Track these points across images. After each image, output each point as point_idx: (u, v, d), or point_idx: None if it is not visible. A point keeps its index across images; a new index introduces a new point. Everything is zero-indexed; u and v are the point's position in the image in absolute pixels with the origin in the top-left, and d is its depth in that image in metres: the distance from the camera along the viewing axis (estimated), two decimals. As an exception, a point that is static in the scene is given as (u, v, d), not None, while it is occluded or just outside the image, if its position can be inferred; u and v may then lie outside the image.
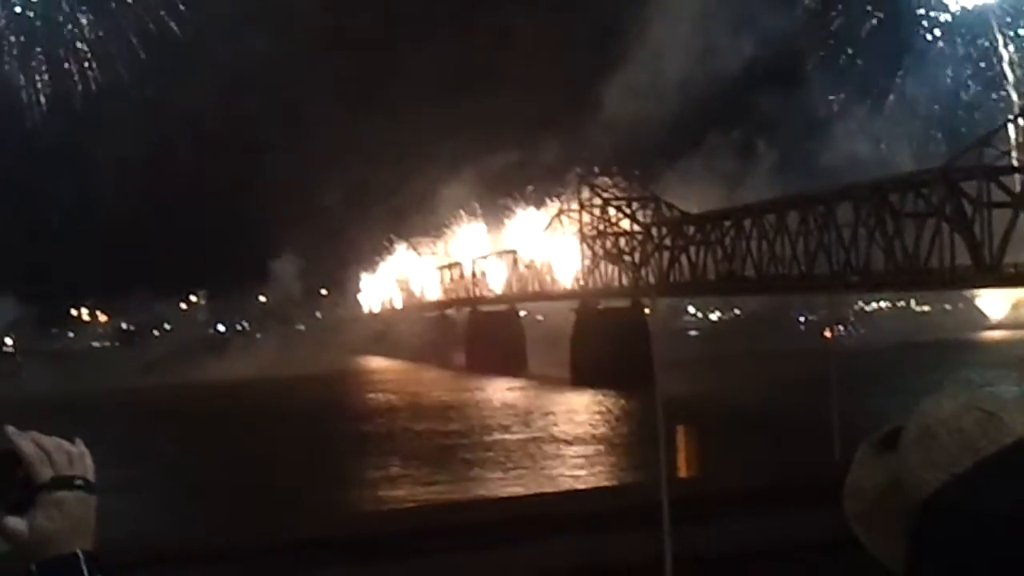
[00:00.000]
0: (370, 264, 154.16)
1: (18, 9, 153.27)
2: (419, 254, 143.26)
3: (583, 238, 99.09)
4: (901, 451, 1.77)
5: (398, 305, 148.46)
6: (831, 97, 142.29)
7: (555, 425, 59.82)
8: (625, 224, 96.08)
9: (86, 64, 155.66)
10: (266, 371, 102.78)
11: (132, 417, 66.32)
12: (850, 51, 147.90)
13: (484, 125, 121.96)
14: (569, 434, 55.61)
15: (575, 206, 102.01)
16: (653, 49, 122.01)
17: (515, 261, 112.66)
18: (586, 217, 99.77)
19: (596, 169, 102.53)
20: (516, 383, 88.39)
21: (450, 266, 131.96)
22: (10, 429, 2.14)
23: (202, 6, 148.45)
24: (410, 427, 60.99)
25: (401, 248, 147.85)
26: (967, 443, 1.68)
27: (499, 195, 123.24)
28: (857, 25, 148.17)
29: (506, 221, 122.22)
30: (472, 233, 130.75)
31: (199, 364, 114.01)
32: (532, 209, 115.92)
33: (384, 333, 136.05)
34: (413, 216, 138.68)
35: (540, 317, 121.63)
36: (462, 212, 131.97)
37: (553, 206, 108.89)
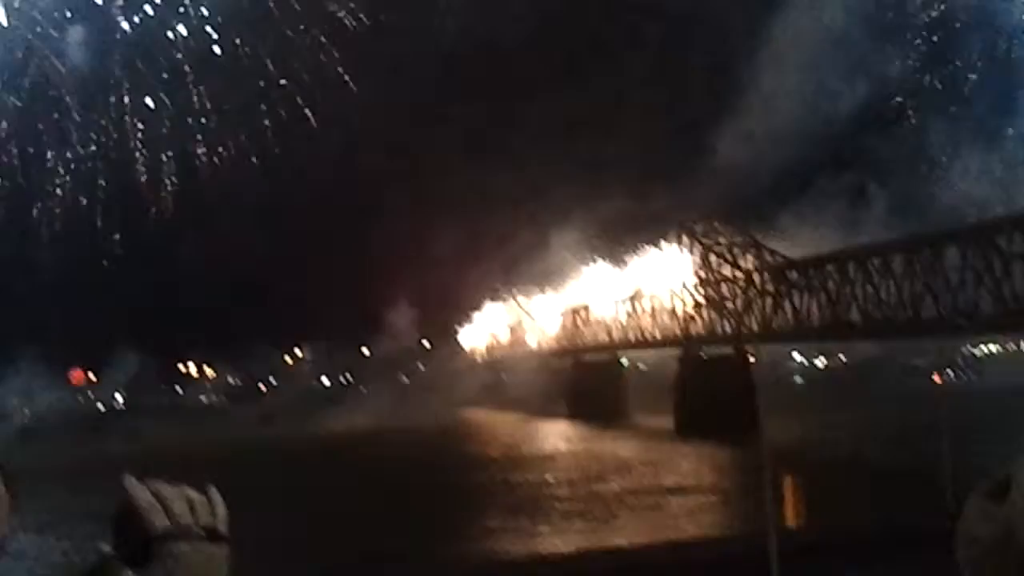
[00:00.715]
0: (473, 314, 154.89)
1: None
2: (523, 303, 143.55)
3: (684, 285, 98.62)
4: (1013, 500, 1.73)
5: (501, 355, 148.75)
6: (945, 138, 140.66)
7: (658, 475, 59.45)
8: (727, 271, 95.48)
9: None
10: (375, 423, 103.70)
11: (258, 467, 67.18)
12: (965, 91, 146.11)
13: (593, 173, 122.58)
14: (673, 484, 55.21)
15: (676, 253, 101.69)
16: (765, 95, 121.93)
17: (617, 309, 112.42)
18: (687, 264, 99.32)
19: (696, 217, 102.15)
20: (620, 432, 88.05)
21: (553, 315, 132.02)
22: (127, 478, 2.01)
23: (314, 61, 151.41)
24: (509, 478, 61.01)
25: (505, 297, 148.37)
26: None
27: (604, 243, 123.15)
28: (972, 65, 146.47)
29: (609, 269, 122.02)
30: (576, 281, 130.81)
31: (311, 416, 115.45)
32: (635, 257, 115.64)
33: (487, 384, 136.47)
34: (518, 265, 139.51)
35: (642, 366, 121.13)
36: (567, 259, 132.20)
37: (655, 253, 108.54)
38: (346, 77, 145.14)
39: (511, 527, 43.68)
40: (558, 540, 40.34)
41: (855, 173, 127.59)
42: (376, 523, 43.05)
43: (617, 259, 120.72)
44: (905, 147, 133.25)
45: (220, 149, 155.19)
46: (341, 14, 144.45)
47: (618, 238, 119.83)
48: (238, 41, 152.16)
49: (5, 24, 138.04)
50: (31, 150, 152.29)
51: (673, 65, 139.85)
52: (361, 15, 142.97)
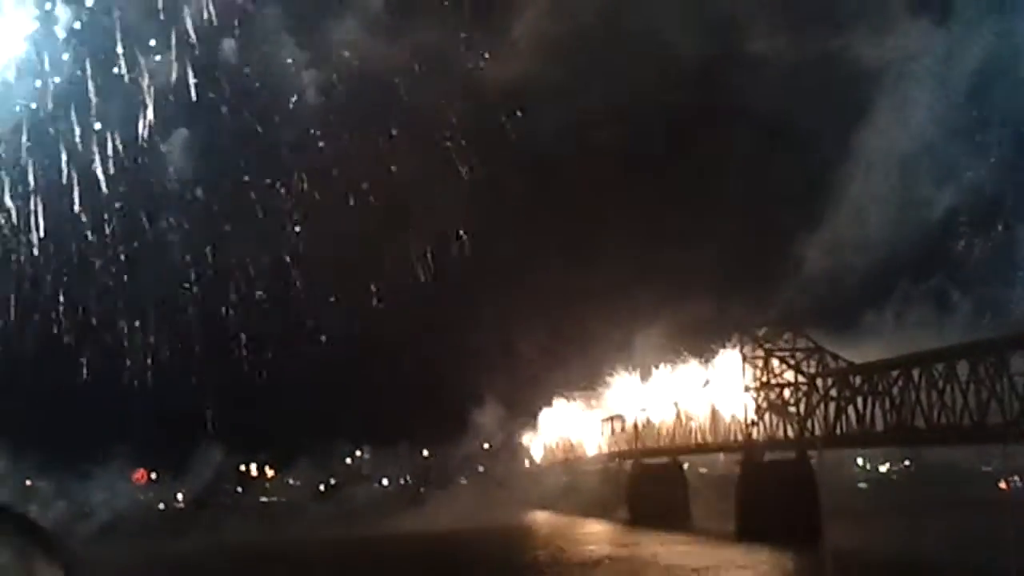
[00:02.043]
0: (534, 416, 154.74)
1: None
2: (586, 406, 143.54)
3: (746, 389, 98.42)
4: None
5: (562, 458, 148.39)
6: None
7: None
8: (789, 376, 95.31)
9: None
10: (434, 525, 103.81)
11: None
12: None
13: (677, 279, 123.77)
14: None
15: (738, 358, 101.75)
16: (854, 204, 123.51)
17: (679, 412, 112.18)
18: (750, 369, 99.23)
19: (759, 322, 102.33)
20: (680, 537, 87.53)
21: (613, 418, 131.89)
22: None
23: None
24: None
25: (565, 401, 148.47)
26: None
27: (672, 347, 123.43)
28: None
29: (674, 372, 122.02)
30: (638, 384, 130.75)
31: (377, 518, 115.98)
32: (699, 361, 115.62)
33: (549, 487, 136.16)
34: (576, 367, 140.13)
35: (704, 470, 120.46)
36: (632, 361, 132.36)
37: (719, 358, 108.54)
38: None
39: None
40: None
41: (940, 279, 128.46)
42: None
43: (682, 363, 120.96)
44: (989, 253, 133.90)
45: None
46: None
47: (686, 342, 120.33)
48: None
49: None
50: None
51: (764, 173, 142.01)
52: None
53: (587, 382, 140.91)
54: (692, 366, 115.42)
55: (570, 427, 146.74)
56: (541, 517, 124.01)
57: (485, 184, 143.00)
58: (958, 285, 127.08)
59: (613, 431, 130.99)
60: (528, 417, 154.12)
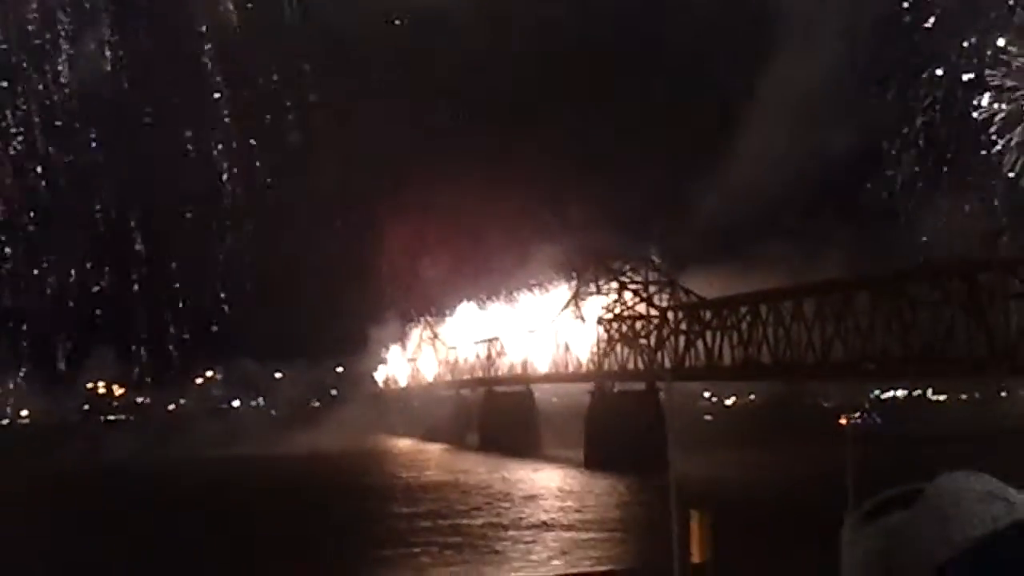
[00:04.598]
0: (388, 342, 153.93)
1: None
2: (436, 333, 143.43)
3: (599, 321, 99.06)
4: (922, 516, 1.77)
5: (414, 384, 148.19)
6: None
7: (565, 509, 59.41)
8: (642, 308, 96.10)
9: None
10: (282, 449, 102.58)
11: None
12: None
13: (573, 207, 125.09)
14: (579, 519, 55.19)
15: (592, 288, 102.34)
16: (754, 144, 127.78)
17: (531, 342, 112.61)
18: (602, 300, 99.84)
19: (615, 254, 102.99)
20: (528, 465, 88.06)
21: (466, 345, 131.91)
22: None
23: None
24: (421, 510, 60.19)
25: (418, 326, 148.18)
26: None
27: (529, 274, 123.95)
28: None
29: (527, 300, 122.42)
30: (490, 313, 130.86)
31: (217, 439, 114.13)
32: (552, 291, 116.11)
33: (400, 412, 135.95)
34: (434, 293, 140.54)
35: (555, 399, 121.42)
36: (491, 288, 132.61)
37: (570, 288, 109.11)
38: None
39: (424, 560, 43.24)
40: (469, 571, 40.30)
41: (826, 218, 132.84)
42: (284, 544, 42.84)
43: (535, 291, 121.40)
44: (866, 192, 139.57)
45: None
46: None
47: (543, 271, 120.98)
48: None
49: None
50: None
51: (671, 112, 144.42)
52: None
53: (449, 308, 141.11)
54: (551, 295, 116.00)
55: (426, 352, 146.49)
56: (392, 442, 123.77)
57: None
58: (843, 224, 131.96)
59: (467, 358, 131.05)
60: (384, 341, 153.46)
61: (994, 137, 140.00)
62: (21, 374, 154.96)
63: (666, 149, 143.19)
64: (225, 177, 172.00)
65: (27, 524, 51.00)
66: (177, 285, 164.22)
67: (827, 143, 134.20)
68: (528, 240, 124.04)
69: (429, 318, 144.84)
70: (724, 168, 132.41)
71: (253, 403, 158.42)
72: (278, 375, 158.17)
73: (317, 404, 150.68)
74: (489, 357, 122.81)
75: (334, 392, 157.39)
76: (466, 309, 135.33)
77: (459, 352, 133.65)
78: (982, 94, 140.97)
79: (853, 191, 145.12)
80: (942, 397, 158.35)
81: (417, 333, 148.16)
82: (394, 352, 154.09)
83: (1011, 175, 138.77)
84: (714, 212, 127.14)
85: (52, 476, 79.01)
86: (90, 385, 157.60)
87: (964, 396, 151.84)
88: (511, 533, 49.65)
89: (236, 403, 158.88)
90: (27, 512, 56.97)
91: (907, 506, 1.78)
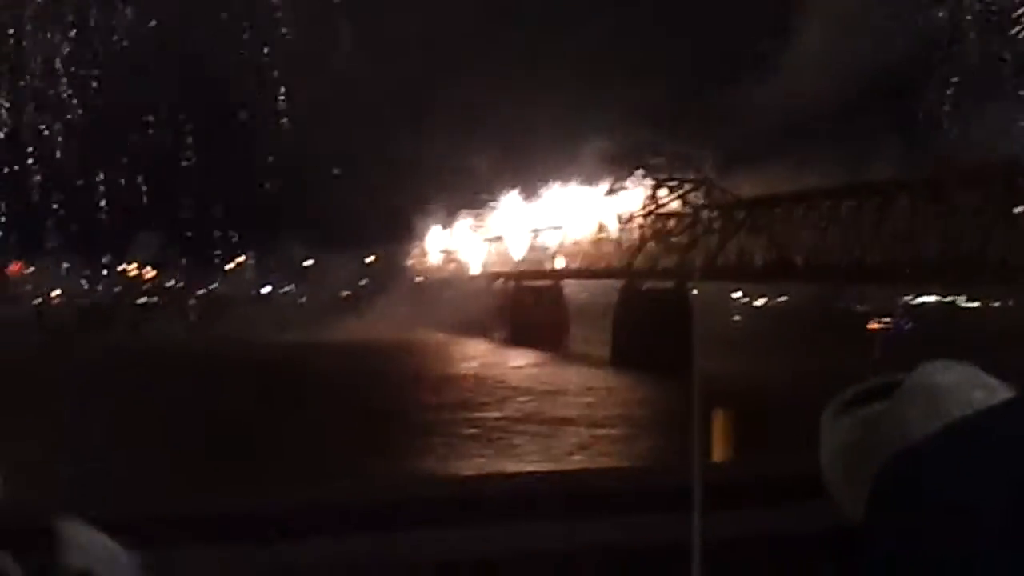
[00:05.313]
0: (419, 234, 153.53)
1: None
2: (470, 226, 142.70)
3: (632, 217, 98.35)
4: (899, 405, 1.78)
5: (451, 275, 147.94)
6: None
7: (587, 404, 59.28)
8: (676, 205, 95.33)
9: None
10: (314, 337, 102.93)
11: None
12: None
13: (615, 108, 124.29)
14: (601, 415, 55.05)
15: (627, 184, 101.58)
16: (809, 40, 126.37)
17: (562, 236, 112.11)
18: (636, 197, 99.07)
19: (652, 152, 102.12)
20: (554, 360, 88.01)
21: (496, 239, 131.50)
22: None
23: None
24: (446, 401, 60.18)
25: (450, 218, 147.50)
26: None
27: (568, 172, 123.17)
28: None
29: (560, 196, 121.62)
30: (520, 207, 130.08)
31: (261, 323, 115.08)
32: (589, 186, 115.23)
33: (433, 303, 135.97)
34: (464, 187, 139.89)
35: (584, 295, 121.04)
36: (526, 183, 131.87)
37: (604, 184, 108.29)
38: None
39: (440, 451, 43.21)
40: (487, 463, 40.18)
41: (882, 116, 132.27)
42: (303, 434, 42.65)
43: (571, 187, 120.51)
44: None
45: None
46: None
47: (580, 168, 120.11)
48: None
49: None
50: None
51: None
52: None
53: (483, 199, 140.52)
54: (587, 190, 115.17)
55: (456, 245, 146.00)
56: (425, 334, 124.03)
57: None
58: (893, 130, 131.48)
59: (499, 251, 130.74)
60: (415, 233, 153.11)
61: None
62: (66, 265, 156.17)
63: (717, 47, 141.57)
64: (276, 74, 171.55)
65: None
66: (209, 172, 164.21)
67: (881, 46, 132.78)
68: (572, 134, 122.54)
69: (467, 209, 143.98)
70: (775, 67, 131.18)
71: (284, 290, 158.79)
72: (309, 262, 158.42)
73: (347, 294, 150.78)
74: (521, 250, 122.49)
75: (364, 282, 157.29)
76: (508, 200, 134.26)
77: (495, 244, 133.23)
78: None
79: (905, 96, 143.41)
80: (975, 304, 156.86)
81: (453, 224, 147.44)
82: (430, 242, 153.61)
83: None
84: (763, 111, 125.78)
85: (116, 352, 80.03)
86: (120, 268, 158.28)
87: (997, 304, 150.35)
88: (530, 427, 49.56)
89: (267, 289, 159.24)
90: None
91: (886, 396, 1.83)
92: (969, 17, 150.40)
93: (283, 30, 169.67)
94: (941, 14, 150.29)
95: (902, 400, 1.75)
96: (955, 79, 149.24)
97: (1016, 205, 59.23)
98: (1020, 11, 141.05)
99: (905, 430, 1.66)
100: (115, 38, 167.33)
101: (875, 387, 1.83)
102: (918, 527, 1.30)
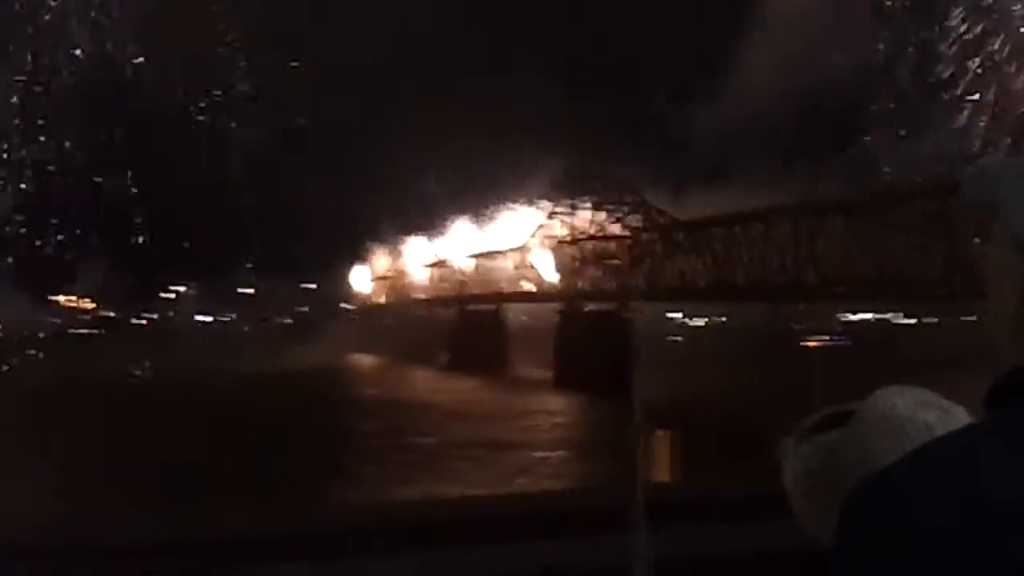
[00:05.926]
0: (357, 260, 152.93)
1: None
2: (418, 249, 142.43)
3: (572, 240, 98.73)
4: (857, 432, 1.80)
5: (384, 302, 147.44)
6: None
7: (528, 428, 59.28)
8: (616, 228, 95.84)
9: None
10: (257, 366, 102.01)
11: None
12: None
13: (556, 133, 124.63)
14: (542, 438, 55.08)
15: (567, 208, 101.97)
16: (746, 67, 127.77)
17: (502, 261, 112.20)
18: (575, 220, 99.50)
19: (590, 175, 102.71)
20: (496, 384, 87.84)
21: (438, 264, 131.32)
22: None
23: None
24: (380, 427, 59.59)
25: (392, 243, 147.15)
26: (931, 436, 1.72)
27: (496, 196, 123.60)
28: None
29: (500, 220, 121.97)
30: (462, 232, 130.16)
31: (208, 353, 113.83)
32: (525, 210, 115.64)
33: (370, 330, 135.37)
34: (408, 212, 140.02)
35: (524, 318, 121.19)
36: (462, 207, 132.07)
37: (545, 207, 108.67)
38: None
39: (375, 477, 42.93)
40: (426, 488, 40.00)
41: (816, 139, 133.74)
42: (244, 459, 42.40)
43: (507, 211, 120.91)
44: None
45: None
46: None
47: (514, 191, 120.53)
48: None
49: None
50: None
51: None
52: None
53: (424, 225, 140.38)
54: (526, 213, 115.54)
55: (396, 271, 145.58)
56: (362, 360, 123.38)
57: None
58: (833, 149, 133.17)
59: (439, 277, 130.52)
60: (354, 259, 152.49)
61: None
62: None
63: (661, 72, 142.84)
64: (220, 99, 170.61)
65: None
66: (148, 202, 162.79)
67: (822, 66, 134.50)
68: (515, 159, 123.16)
69: (402, 236, 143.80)
70: (716, 90, 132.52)
71: (225, 319, 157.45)
72: (250, 291, 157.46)
73: (289, 321, 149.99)
74: (462, 275, 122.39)
75: (305, 309, 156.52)
76: (451, 225, 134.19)
77: (436, 271, 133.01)
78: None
79: (844, 115, 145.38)
80: (911, 321, 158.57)
81: (396, 249, 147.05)
82: (367, 271, 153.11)
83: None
84: (702, 134, 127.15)
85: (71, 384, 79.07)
86: (61, 299, 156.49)
87: (936, 320, 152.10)
88: (471, 451, 49.43)
89: (207, 318, 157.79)
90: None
91: (845, 423, 1.85)
92: (909, 48, 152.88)
93: (227, 58, 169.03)
94: (880, 46, 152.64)
95: (860, 427, 1.79)
96: (891, 105, 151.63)
97: (950, 224, 60.15)
98: (950, 43, 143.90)
99: (865, 457, 1.71)
100: (63, 73, 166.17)
101: (835, 414, 1.88)
102: (885, 553, 1.34)
